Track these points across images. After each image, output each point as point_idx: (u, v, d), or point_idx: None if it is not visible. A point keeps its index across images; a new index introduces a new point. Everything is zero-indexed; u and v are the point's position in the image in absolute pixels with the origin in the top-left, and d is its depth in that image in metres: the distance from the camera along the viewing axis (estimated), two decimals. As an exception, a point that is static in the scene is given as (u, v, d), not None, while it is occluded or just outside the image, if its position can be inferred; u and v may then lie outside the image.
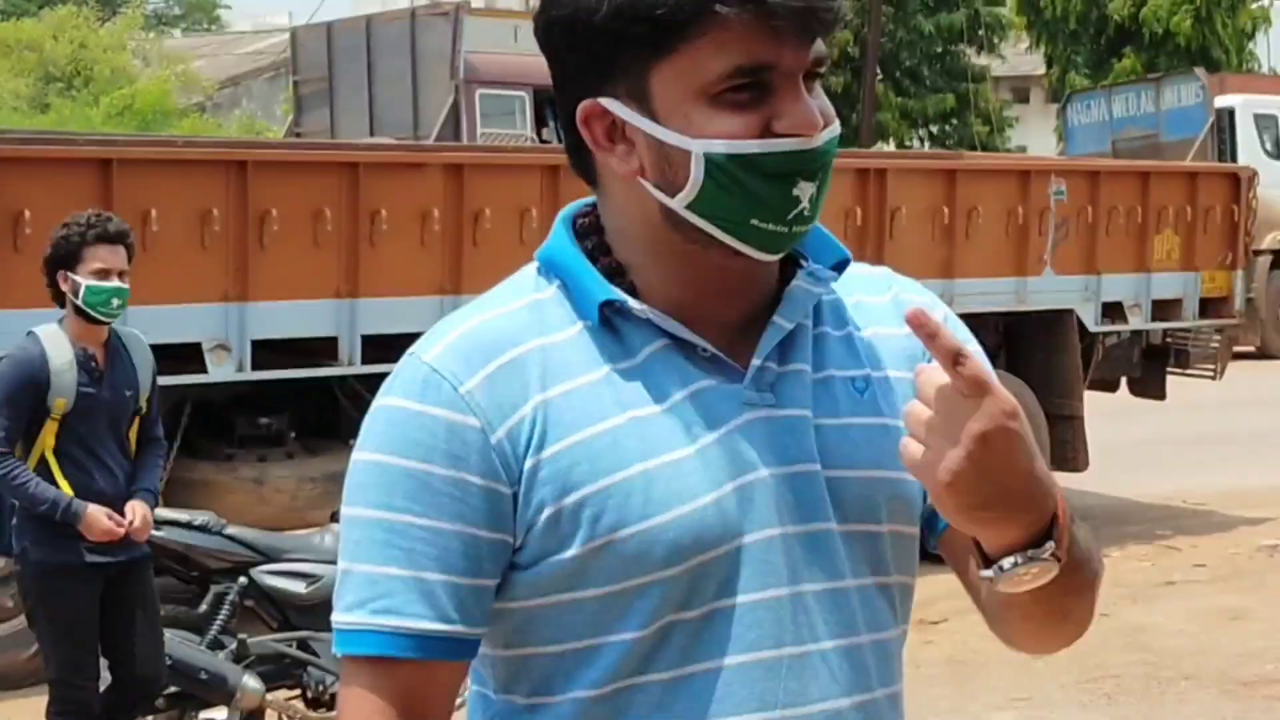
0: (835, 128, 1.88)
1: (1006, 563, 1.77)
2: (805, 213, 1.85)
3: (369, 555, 1.86)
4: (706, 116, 1.83)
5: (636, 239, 1.93)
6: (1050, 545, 1.77)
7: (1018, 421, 1.72)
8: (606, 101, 1.87)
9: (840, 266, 1.98)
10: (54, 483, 6.04)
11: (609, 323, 1.90)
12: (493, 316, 1.91)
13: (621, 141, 1.88)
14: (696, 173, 1.83)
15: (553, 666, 1.87)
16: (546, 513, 1.84)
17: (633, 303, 1.89)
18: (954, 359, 1.70)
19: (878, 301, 2.04)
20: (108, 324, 6.19)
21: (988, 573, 1.78)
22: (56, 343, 6.10)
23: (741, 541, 1.85)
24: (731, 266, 1.89)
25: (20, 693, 7.79)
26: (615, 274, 1.92)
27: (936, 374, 1.73)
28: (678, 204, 1.86)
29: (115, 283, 6.08)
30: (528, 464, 1.85)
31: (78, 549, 6.04)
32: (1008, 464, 1.72)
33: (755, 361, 1.90)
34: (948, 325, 1.90)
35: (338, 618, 1.87)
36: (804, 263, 1.96)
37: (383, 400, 1.90)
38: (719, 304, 1.92)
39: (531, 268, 1.98)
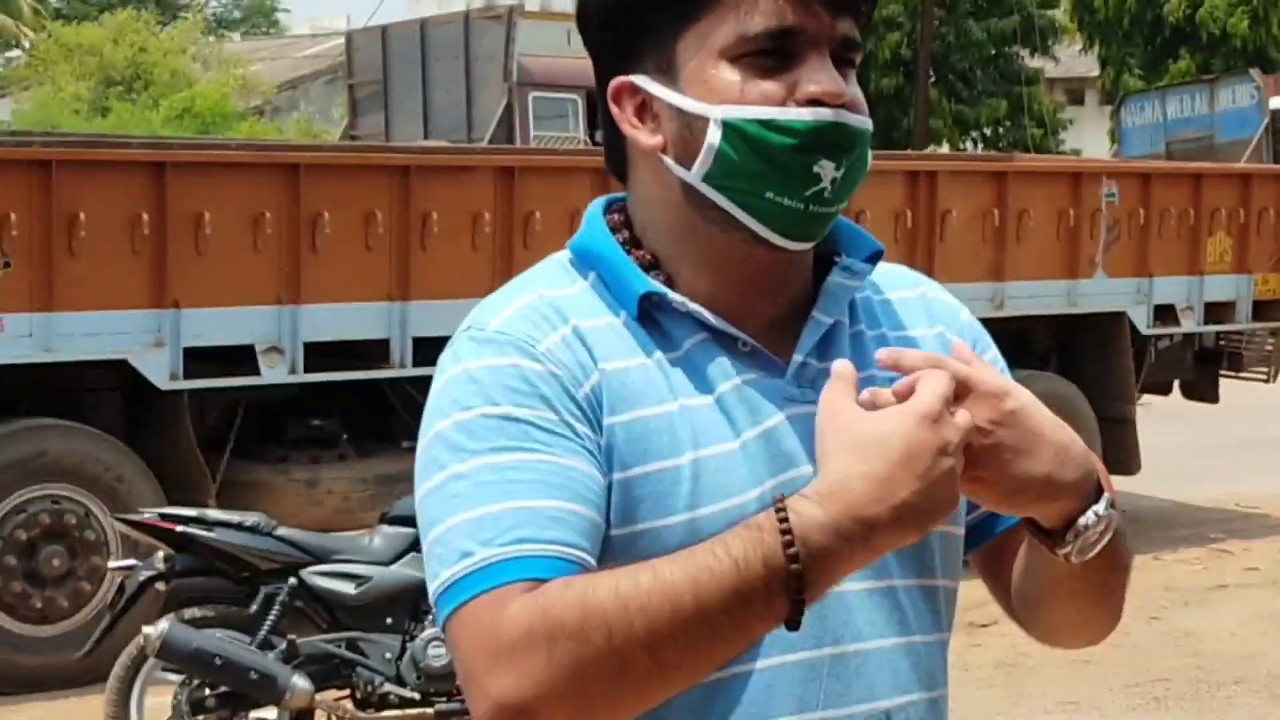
0: (867, 120, 1.86)
1: (1082, 523, 1.79)
2: (826, 194, 1.82)
3: (477, 499, 1.73)
4: (727, 82, 1.82)
5: (666, 230, 1.90)
6: (1107, 498, 1.80)
7: (1012, 402, 1.75)
8: (636, 78, 1.88)
9: (874, 259, 1.95)
10: None
11: (647, 315, 1.86)
12: (550, 295, 1.87)
13: (650, 120, 1.88)
14: (713, 138, 1.81)
15: None
16: (604, 482, 1.79)
17: (673, 295, 1.86)
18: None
19: (908, 296, 2.01)
20: None
21: (1066, 548, 1.80)
22: None
23: None
24: (760, 259, 1.87)
25: (75, 691, 7.87)
26: (650, 268, 1.89)
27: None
28: (695, 176, 1.84)
29: None
30: (606, 423, 1.80)
31: None
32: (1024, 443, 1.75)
33: (797, 357, 1.87)
34: (969, 333, 2.01)
35: (449, 572, 1.71)
36: (838, 259, 1.93)
37: (452, 370, 1.82)
38: (754, 300, 1.89)
39: (562, 256, 1.94)
